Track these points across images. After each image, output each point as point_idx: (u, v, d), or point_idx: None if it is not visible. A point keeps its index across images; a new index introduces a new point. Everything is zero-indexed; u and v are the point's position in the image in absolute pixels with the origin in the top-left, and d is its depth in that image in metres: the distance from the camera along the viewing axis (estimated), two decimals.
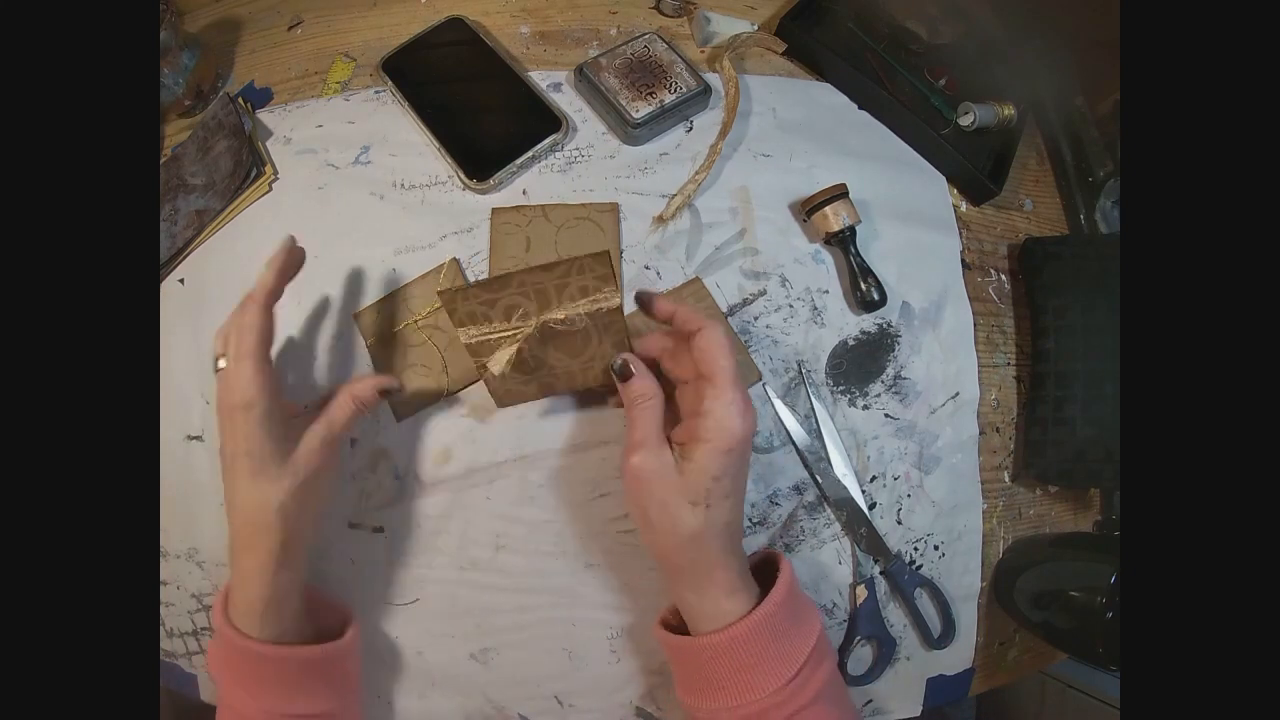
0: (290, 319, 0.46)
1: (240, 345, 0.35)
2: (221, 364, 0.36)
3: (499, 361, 0.38)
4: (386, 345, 0.46)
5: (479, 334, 0.38)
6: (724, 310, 0.47)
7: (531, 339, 0.38)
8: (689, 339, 0.36)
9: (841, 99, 0.55)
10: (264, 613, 0.35)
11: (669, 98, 0.49)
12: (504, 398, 0.41)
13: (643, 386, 0.37)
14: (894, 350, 0.49)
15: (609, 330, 0.38)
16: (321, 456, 0.37)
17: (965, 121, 0.52)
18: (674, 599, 0.38)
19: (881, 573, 0.46)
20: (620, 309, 0.37)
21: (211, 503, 0.45)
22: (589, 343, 0.38)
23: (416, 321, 0.46)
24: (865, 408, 0.48)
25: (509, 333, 0.38)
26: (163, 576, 0.45)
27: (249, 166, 0.48)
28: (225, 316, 0.46)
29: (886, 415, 0.48)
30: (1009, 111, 0.53)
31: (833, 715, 0.35)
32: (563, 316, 0.37)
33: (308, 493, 0.36)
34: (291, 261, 0.40)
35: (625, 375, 0.37)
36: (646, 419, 0.36)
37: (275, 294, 0.38)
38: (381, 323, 0.46)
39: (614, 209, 0.48)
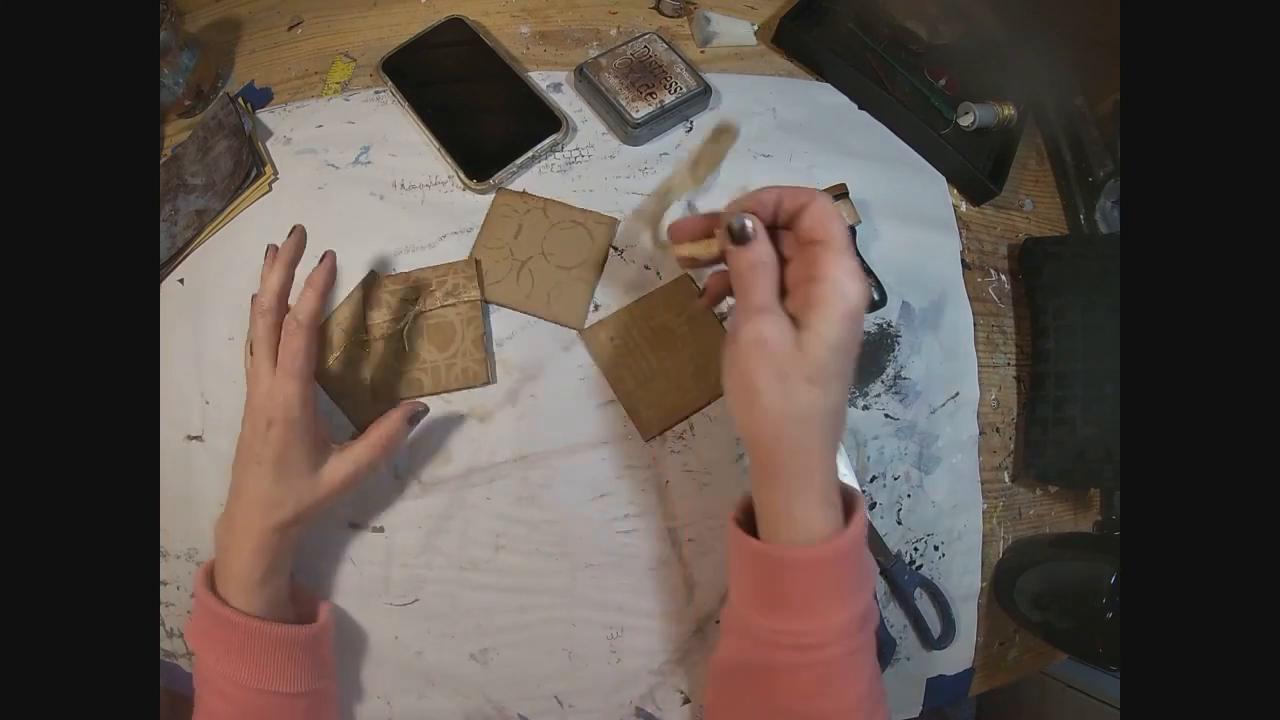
0: None
1: (290, 365, 0.37)
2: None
3: (379, 344, 0.46)
4: (342, 366, 0.46)
5: (379, 318, 0.46)
6: (724, 310, 0.47)
7: (409, 327, 0.46)
8: (797, 215, 0.32)
9: (841, 99, 0.55)
10: (251, 589, 0.36)
11: (669, 98, 0.49)
12: (379, 388, 0.45)
13: (762, 251, 0.32)
14: (894, 350, 0.49)
15: (469, 325, 0.46)
16: (345, 483, 0.39)
17: (965, 121, 0.52)
18: (761, 504, 0.34)
19: (881, 573, 0.46)
20: (477, 303, 0.46)
21: (211, 502, 0.45)
22: (454, 337, 0.45)
23: (375, 336, 0.46)
24: (865, 408, 0.47)
25: (397, 319, 0.46)
26: (163, 576, 0.45)
27: (249, 166, 0.48)
28: (225, 317, 0.47)
29: (886, 415, 0.48)
30: (1009, 111, 0.53)
31: (869, 667, 0.34)
32: (437, 306, 0.46)
33: (322, 507, 0.39)
34: (332, 278, 0.41)
35: (743, 238, 0.32)
36: (767, 283, 0.32)
37: (319, 315, 0.39)
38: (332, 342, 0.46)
39: (612, 223, 0.48)
